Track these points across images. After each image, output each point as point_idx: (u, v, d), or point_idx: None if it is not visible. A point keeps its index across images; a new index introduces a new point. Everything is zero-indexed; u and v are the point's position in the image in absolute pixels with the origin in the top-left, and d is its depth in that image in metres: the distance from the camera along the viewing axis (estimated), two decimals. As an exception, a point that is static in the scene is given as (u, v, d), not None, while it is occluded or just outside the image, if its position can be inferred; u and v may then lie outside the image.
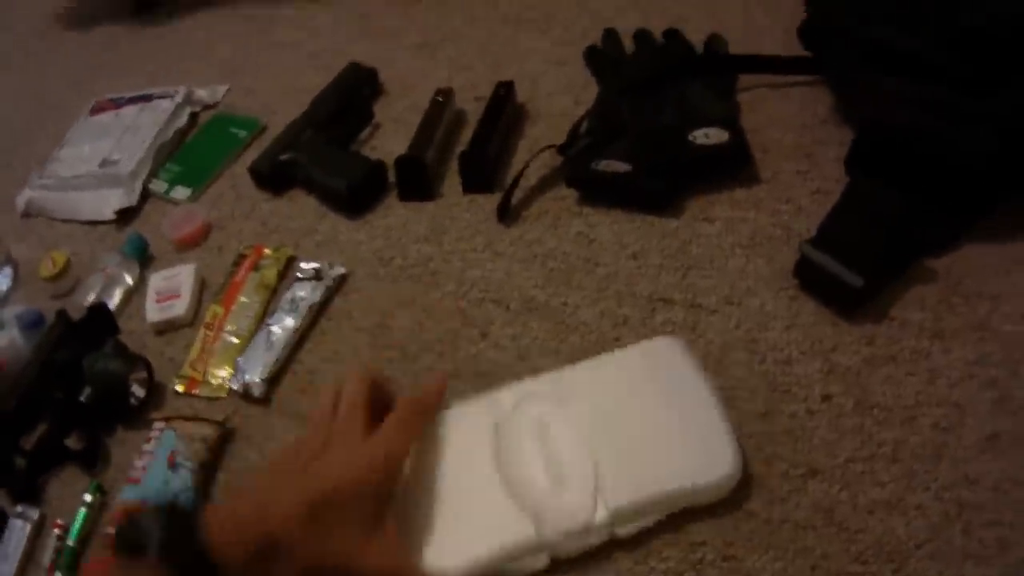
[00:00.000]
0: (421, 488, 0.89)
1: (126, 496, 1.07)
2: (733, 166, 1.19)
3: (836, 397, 0.94)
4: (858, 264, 0.97)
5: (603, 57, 1.44)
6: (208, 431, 1.10)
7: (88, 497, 1.10)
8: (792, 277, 1.04)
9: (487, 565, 0.84)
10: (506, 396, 0.96)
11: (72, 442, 1.17)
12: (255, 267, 1.29)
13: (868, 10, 1.14)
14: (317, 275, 1.24)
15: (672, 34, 1.41)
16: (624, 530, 0.86)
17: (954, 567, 0.80)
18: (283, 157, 1.42)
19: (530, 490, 0.87)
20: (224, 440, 1.11)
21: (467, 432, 0.93)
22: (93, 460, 1.15)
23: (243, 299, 1.26)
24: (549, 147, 1.27)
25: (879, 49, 1.11)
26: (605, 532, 0.86)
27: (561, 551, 0.86)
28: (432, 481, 0.90)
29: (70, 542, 1.07)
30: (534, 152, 1.27)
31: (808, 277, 1.03)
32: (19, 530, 1.11)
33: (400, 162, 1.31)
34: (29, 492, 1.15)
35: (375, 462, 0.83)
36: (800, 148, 1.20)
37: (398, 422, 0.87)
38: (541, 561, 0.86)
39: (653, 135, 1.21)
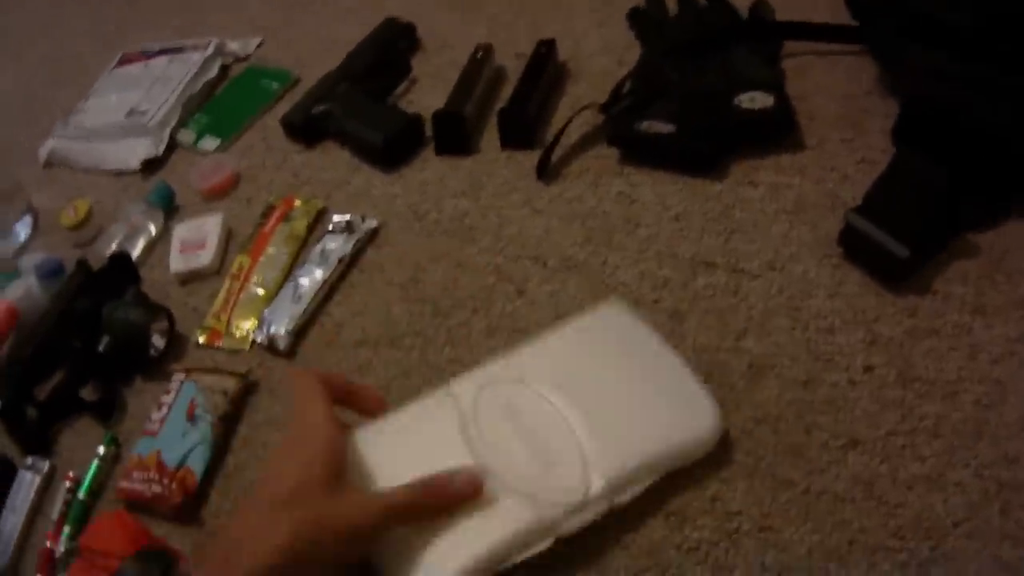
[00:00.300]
0: None
1: (141, 450, 1.06)
2: (778, 131, 1.18)
3: (878, 368, 0.92)
4: (904, 235, 0.96)
5: (647, 19, 1.43)
6: (230, 383, 1.09)
7: (101, 449, 1.10)
8: (836, 245, 1.03)
9: (492, 559, 0.80)
10: (462, 389, 0.92)
11: (88, 393, 1.17)
12: (285, 218, 1.28)
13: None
14: (349, 227, 1.23)
15: (717, -2, 1.40)
16: (621, 498, 0.84)
17: (991, 547, 0.78)
18: (317, 109, 1.42)
19: (519, 476, 0.83)
20: (246, 393, 1.10)
21: (433, 435, 0.89)
22: (109, 411, 1.15)
23: (271, 250, 1.25)
24: (591, 105, 1.25)
25: (924, 22, 1.10)
26: (604, 504, 0.83)
27: (563, 530, 0.83)
28: None
29: (81, 495, 1.07)
30: (576, 109, 1.26)
31: (853, 245, 1.02)
32: (28, 482, 1.11)
33: (438, 116, 1.30)
34: (40, 443, 1.15)
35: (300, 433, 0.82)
36: (846, 117, 1.18)
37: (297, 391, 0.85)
38: (546, 543, 0.82)
39: (698, 97, 1.19)
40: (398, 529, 0.81)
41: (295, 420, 0.83)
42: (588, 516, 0.83)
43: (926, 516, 0.81)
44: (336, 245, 1.20)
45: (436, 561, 0.79)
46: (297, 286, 1.17)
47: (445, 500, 0.81)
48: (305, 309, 1.15)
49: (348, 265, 1.20)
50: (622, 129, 1.20)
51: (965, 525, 0.80)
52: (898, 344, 0.93)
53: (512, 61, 1.44)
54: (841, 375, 0.92)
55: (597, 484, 0.82)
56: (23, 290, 1.29)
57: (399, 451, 0.87)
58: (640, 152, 1.21)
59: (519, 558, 0.81)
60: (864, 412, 0.89)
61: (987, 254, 0.99)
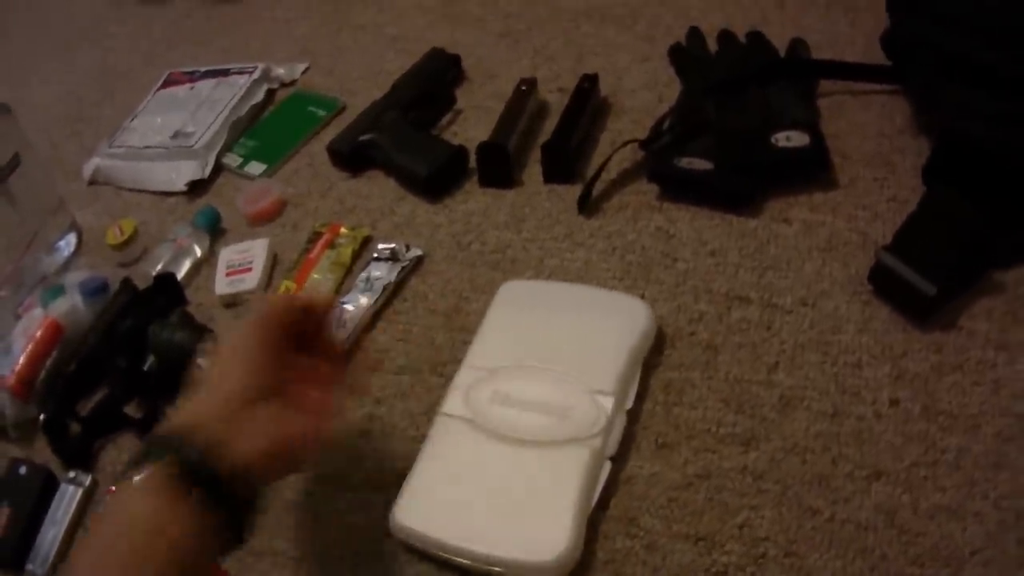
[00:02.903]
0: (476, 513, 0.97)
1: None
2: (813, 170, 1.24)
3: (904, 402, 0.99)
4: (932, 273, 1.02)
5: (688, 56, 1.49)
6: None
7: (145, 466, 1.15)
8: (866, 282, 1.09)
9: (582, 503, 0.94)
10: (452, 407, 1.06)
11: (132, 410, 1.22)
12: (330, 245, 1.34)
13: (951, 22, 1.18)
14: (393, 256, 1.29)
15: (756, 36, 1.46)
16: (629, 402, 1.03)
17: (1007, 575, 0.85)
18: (363, 138, 1.47)
19: (550, 434, 0.99)
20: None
21: (462, 458, 1.02)
22: (152, 429, 1.20)
23: (316, 276, 1.31)
24: (632, 141, 1.32)
25: (961, 61, 1.15)
26: (622, 414, 1.01)
27: (610, 451, 0.99)
28: (478, 500, 0.98)
29: (123, 509, 1.12)
30: (616, 145, 1.32)
31: (882, 283, 1.08)
32: (69, 495, 1.16)
33: (483, 148, 1.36)
34: (82, 457, 1.21)
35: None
36: (878, 156, 1.25)
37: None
38: (606, 471, 0.98)
39: (736, 135, 1.26)
40: (489, 526, 0.95)
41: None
42: (618, 430, 1.01)
43: (945, 545, 0.87)
44: (381, 273, 1.26)
45: (546, 528, 0.92)
46: (342, 311, 1.23)
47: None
48: (349, 335, 1.21)
49: (392, 293, 1.26)
50: (662, 166, 1.27)
51: (982, 554, 0.86)
52: (923, 379, 1.00)
53: (556, 95, 1.50)
54: (867, 408, 0.99)
55: (607, 403, 1.00)
56: (68, 306, 1.34)
57: (448, 494, 0.99)
58: (679, 188, 1.27)
59: (596, 496, 0.96)
60: (889, 444, 0.96)
61: (1012, 291, 1.06)
